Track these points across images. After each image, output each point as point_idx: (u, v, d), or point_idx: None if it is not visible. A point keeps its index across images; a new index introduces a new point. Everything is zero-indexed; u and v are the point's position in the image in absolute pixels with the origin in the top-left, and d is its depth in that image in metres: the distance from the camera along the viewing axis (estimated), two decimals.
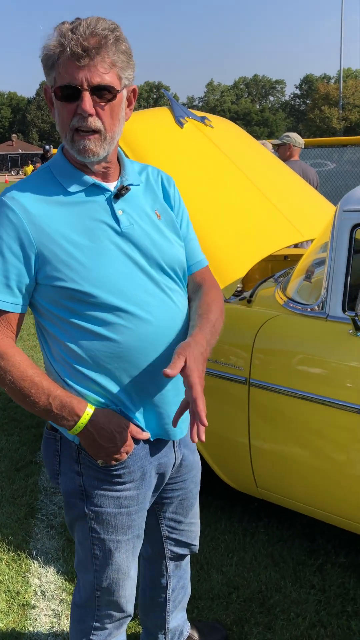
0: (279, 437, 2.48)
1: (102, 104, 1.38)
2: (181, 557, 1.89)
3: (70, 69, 1.34)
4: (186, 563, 1.97)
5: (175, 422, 1.40)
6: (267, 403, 2.48)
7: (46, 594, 2.46)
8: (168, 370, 1.30)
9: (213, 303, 1.59)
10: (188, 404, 1.35)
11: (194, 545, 1.88)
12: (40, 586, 2.51)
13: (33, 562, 2.65)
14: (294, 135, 6.14)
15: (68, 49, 1.33)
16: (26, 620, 2.33)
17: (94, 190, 1.49)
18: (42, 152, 16.03)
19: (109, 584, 1.61)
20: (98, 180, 1.49)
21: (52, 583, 2.52)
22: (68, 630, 2.26)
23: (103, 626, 1.67)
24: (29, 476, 3.35)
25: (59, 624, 2.31)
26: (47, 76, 1.41)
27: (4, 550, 2.74)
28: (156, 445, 1.60)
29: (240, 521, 2.87)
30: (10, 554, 2.71)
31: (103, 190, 1.50)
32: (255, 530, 2.80)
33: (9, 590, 2.49)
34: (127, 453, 1.50)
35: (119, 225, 1.48)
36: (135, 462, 1.55)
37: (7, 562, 2.66)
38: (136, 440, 1.54)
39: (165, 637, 2.02)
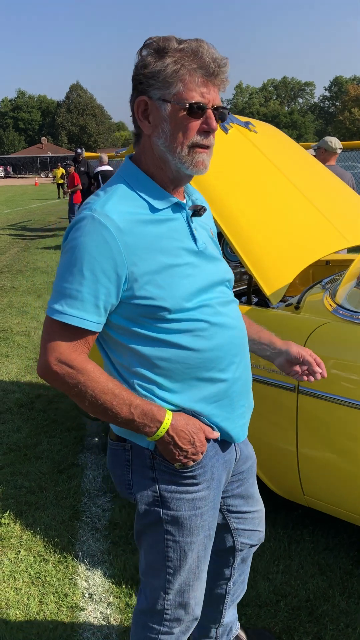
0: (327, 445, 2.47)
1: (217, 123, 1.47)
2: (250, 549, 1.93)
3: (202, 87, 1.42)
4: (249, 559, 2.00)
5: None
6: (316, 411, 2.47)
7: (94, 596, 2.48)
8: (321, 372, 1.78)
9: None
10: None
11: (261, 531, 1.93)
12: (87, 589, 2.53)
13: (80, 564, 2.68)
14: (329, 140, 6.10)
15: (203, 68, 1.40)
16: (75, 621, 2.35)
17: (176, 208, 1.52)
18: (73, 155, 16.15)
19: (180, 585, 1.64)
20: (179, 199, 1.53)
21: (99, 586, 2.54)
22: (117, 633, 2.28)
23: (170, 631, 1.69)
24: (72, 478, 3.38)
25: (108, 627, 2.33)
26: (157, 89, 1.43)
27: (50, 552, 2.77)
28: (221, 444, 1.64)
29: (284, 528, 2.86)
30: (56, 555, 2.74)
31: (181, 208, 1.53)
32: (300, 538, 2.79)
33: (57, 592, 2.51)
34: (202, 453, 1.54)
35: (196, 244, 1.53)
36: (207, 463, 1.59)
37: (53, 563, 2.69)
38: (207, 440, 1.57)
39: (216, 632, 2.05)
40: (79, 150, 15.43)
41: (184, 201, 1.57)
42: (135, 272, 1.42)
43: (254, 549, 1.97)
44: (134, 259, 1.41)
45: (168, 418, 1.47)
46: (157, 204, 1.48)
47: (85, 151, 15.90)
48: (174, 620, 1.68)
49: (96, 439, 3.89)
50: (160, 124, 1.45)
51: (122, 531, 2.89)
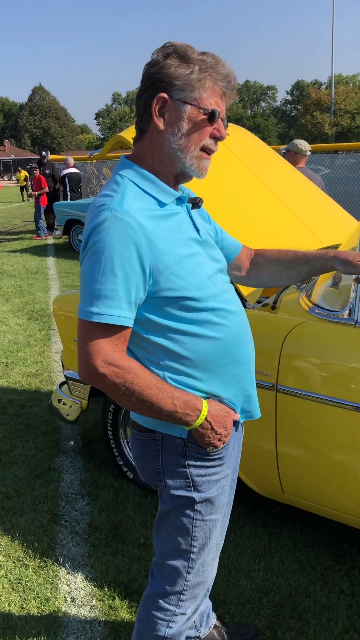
0: (306, 443, 2.50)
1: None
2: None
3: (219, 97, 1.52)
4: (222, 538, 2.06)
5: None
6: (294, 409, 2.50)
7: (76, 600, 2.47)
8: None
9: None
10: None
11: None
12: (69, 592, 2.51)
13: (60, 568, 2.66)
14: (298, 142, 6.18)
15: (226, 80, 1.52)
16: (58, 627, 2.34)
17: (178, 202, 1.58)
18: (38, 157, 16.02)
19: (202, 564, 1.72)
20: (179, 193, 1.59)
21: (81, 589, 2.53)
22: (101, 636, 2.27)
23: (184, 612, 1.75)
24: (49, 482, 3.35)
25: (91, 630, 2.32)
26: (179, 90, 1.48)
27: (29, 557, 2.74)
28: (235, 425, 1.72)
29: (264, 526, 2.89)
30: (36, 560, 2.71)
31: (182, 202, 1.60)
32: (280, 535, 2.82)
33: (38, 597, 2.49)
34: (229, 435, 1.62)
35: (199, 233, 1.60)
36: (229, 443, 1.67)
37: (34, 568, 2.66)
38: None
39: (195, 621, 2.07)
40: (43, 153, 15.31)
41: (182, 194, 1.63)
42: (158, 265, 1.45)
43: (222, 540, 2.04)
44: (155, 252, 1.45)
45: (205, 405, 1.54)
46: (163, 198, 1.53)
47: (50, 154, 15.75)
48: (190, 599, 1.75)
49: (72, 442, 3.86)
50: (177, 123, 1.50)
51: (102, 534, 2.88)
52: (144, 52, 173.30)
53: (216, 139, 1.54)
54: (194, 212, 1.64)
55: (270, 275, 1.93)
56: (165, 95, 1.49)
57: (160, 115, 1.51)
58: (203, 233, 1.62)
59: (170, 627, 1.74)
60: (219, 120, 1.53)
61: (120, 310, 1.43)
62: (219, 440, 1.59)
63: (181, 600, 1.74)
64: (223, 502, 1.71)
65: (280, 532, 2.84)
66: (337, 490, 2.45)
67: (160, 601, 1.74)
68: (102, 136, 79.53)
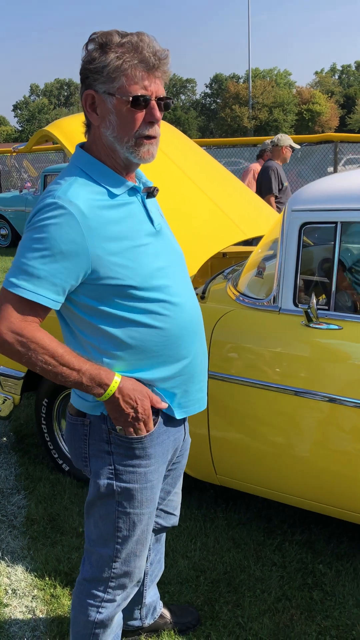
0: (237, 426, 2.63)
1: (161, 113, 1.54)
2: (163, 530, 2.04)
3: (143, 79, 1.50)
4: (164, 538, 2.12)
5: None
6: (225, 394, 2.61)
7: (17, 591, 2.49)
8: None
9: None
10: None
11: (175, 515, 2.04)
12: (10, 585, 2.53)
13: (0, 562, 2.67)
14: (277, 137, 6.21)
15: (144, 62, 1.48)
16: (0, 618, 2.36)
17: (131, 192, 1.60)
18: None
19: (127, 555, 1.73)
20: (134, 183, 1.61)
21: (22, 581, 2.55)
22: (44, 624, 2.31)
23: (113, 598, 1.77)
24: None
25: (34, 619, 2.35)
26: (102, 83, 1.50)
27: None
28: (172, 421, 1.73)
29: (199, 508, 2.99)
30: None
31: (136, 192, 1.62)
32: (214, 516, 2.93)
33: None
34: (145, 423, 1.61)
35: (153, 224, 1.62)
36: (158, 437, 1.68)
37: None
38: (156, 415, 1.66)
39: (140, 613, 2.14)
40: None
41: (137, 184, 1.65)
42: (100, 254, 1.49)
43: (165, 532, 2.10)
44: (98, 241, 1.49)
45: (116, 381, 1.56)
46: (115, 190, 1.56)
47: None
48: (118, 588, 1.76)
49: (4, 438, 3.85)
50: (107, 116, 1.53)
51: (40, 526, 2.90)
52: (61, 43, 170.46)
53: (151, 123, 1.54)
54: (150, 202, 1.65)
55: None
56: (92, 91, 1.54)
57: (93, 110, 1.56)
58: (157, 224, 1.64)
59: (100, 613, 1.76)
60: (152, 102, 1.52)
61: (39, 288, 1.47)
62: (126, 422, 1.59)
63: (109, 587, 1.76)
64: (150, 498, 1.70)
65: (214, 512, 2.96)
66: (267, 469, 2.59)
67: (90, 587, 1.77)
68: (20, 128, 77.68)
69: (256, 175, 6.66)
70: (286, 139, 6.20)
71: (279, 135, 6.29)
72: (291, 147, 6.21)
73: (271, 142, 6.32)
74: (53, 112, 73.89)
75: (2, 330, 1.48)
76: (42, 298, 1.49)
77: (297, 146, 6.27)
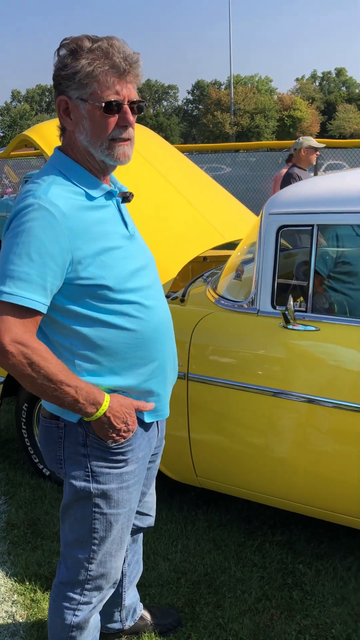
0: (217, 428, 2.64)
1: (134, 116, 1.56)
2: (139, 531, 2.05)
3: (114, 85, 1.52)
4: (140, 539, 2.12)
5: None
6: (205, 396, 2.63)
7: None
8: None
9: None
10: None
11: (151, 516, 2.05)
12: None
13: None
14: (297, 140, 5.84)
15: (115, 67, 1.50)
16: None
17: (108, 196, 1.62)
18: None
19: (103, 556, 1.73)
20: (110, 187, 1.63)
21: (2, 586, 2.54)
22: (24, 629, 2.30)
23: (90, 600, 1.77)
24: None
25: (14, 624, 2.34)
26: (74, 89, 1.52)
27: None
28: (145, 424, 1.74)
29: (180, 510, 3.00)
30: None
31: (112, 196, 1.64)
32: (195, 518, 2.94)
33: None
34: (131, 432, 1.63)
35: (127, 228, 1.64)
36: (134, 441, 1.69)
37: None
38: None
39: (120, 615, 2.14)
40: None
41: (113, 188, 1.67)
42: (79, 254, 1.50)
43: (142, 533, 2.11)
44: (77, 242, 1.50)
45: (107, 400, 1.57)
46: (92, 192, 1.58)
47: None
48: (94, 590, 1.76)
49: None
50: (81, 122, 1.55)
51: (20, 531, 2.89)
52: (42, 48, 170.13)
53: (124, 127, 1.55)
54: (124, 206, 1.68)
55: None
56: (65, 97, 1.55)
57: (67, 115, 1.57)
58: (131, 228, 1.67)
59: (76, 616, 1.76)
60: (125, 107, 1.54)
61: (32, 293, 1.46)
62: (117, 435, 1.61)
63: (85, 590, 1.75)
64: (126, 498, 1.71)
65: (195, 514, 2.97)
66: (247, 470, 2.61)
67: (65, 590, 1.76)
68: (2, 134, 77.38)
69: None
70: (304, 141, 5.84)
71: (299, 138, 5.97)
72: (311, 147, 5.93)
73: (292, 145, 6.04)
74: (35, 118, 73.61)
75: (6, 342, 1.44)
76: (38, 304, 1.48)
77: (320, 145, 5.94)
